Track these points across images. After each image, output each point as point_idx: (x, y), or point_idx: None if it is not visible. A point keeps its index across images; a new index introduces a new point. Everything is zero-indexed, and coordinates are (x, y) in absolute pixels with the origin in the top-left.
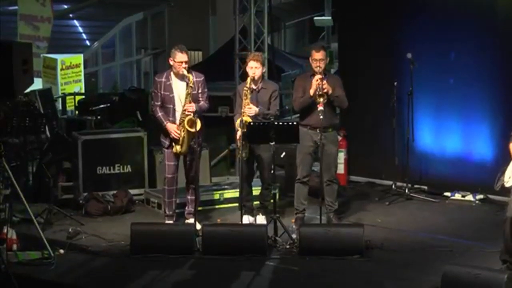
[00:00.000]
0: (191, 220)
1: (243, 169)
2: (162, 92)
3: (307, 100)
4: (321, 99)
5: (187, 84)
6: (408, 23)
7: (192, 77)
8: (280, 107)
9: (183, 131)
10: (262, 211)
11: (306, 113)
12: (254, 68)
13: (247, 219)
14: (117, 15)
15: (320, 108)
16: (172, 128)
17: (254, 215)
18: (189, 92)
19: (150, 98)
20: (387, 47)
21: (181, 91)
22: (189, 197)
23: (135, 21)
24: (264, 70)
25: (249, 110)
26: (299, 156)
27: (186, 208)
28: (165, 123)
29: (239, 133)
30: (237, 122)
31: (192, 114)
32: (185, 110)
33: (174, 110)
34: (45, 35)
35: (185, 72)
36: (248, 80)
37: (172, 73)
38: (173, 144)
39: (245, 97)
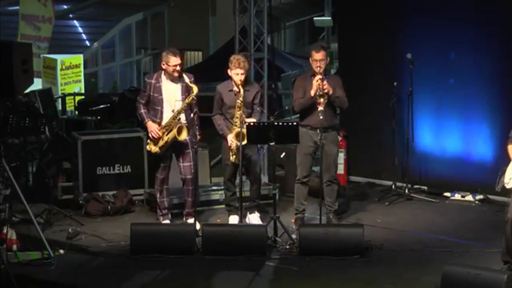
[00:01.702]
0: (191, 221)
1: (230, 169)
2: (151, 93)
3: (308, 101)
4: (322, 100)
5: (185, 91)
6: (408, 23)
7: (196, 90)
8: (280, 107)
9: (167, 135)
10: (257, 209)
11: (306, 114)
12: (240, 75)
13: (234, 219)
14: (117, 15)
15: (320, 108)
16: (153, 127)
17: (239, 215)
18: (189, 102)
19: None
20: (387, 47)
21: (171, 94)
22: (186, 198)
23: (135, 21)
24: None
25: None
26: (299, 156)
27: (185, 209)
28: (146, 120)
29: (231, 137)
30: (235, 132)
31: (182, 122)
32: (175, 118)
33: (161, 112)
34: (46, 35)
35: (187, 80)
36: (241, 91)
37: (163, 74)
38: (148, 141)
39: (238, 109)
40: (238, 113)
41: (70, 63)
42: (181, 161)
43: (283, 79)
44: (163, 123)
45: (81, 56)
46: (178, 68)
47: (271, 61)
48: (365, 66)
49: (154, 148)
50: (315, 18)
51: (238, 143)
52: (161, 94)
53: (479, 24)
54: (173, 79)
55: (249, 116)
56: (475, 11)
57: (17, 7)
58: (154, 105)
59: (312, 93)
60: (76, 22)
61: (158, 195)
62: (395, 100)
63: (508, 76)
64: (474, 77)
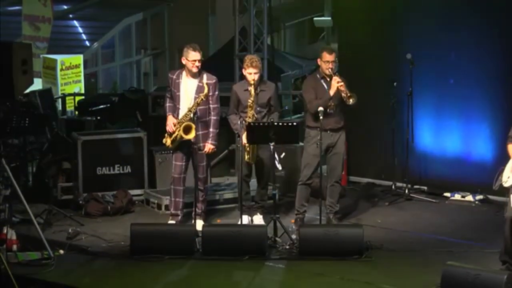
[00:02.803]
0: (198, 221)
1: (243, 169)
2: (172, 89)
3: (326, 102)
4: (351, 100)
5: (200, 90)
6: (408, 23)
7: (206, 90)
8: (280, 108)
9: (178, 131)
10: (260, 210)
11: (316, 115)
12: (254, 74)
13: (246, 219)
14: (117, 15)
15: (320, 108)
16: (169, 120)
17: (251, 215)
18: (199, 101)
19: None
20: (387, 47)
21: (189, 91)
22: (199, 198)
23: (135, 21)
24: (261, 72)
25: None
26: (307, 157)
27: (197, 209)
28: (167, 114)
29: (245, 136)
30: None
31: (191, 118)
32: (187, 115)
33: (178, 109)
34: (45, 36)
35: (204, 79)
36: (252, 91)
37: (184, 72)
38: (166, 135)
39: (250, 108)
40: (250, 112)
41: (70, 63)
42: (195, 160)
43: (283, 79)
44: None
45: (81, 56)
46: (197, 64)
47: (271, 61)
48: (365, 67)
49: (168, 142)
50: (315, 19)
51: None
52: (179, 91)
53: (479, 25)
54: (193, 76)
55: (264, 116)
56: (475, 11)
57: (18, 7)
58: (174, 101)
59: (332, 93)
60: (76, 22)
61: (172, 195)
62: (395, 100)
63: (508, 76)
64: (474, 77)
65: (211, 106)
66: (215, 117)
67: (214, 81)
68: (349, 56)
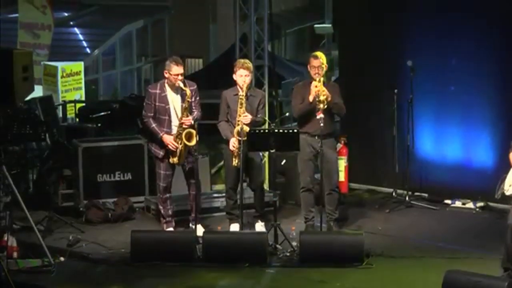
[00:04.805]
0: (199, 228)
1: (233, 177)
2: (157, 104)
3: (307, 106)
4: (321, 105)
5: (184, 97)
6: (408, 30)
7: (189, 91)
8: (281, 115)
9: (181, 143)
10: (259, 218)
11: (304, 121)
12: (244, 76)
13: (235, 227)
14: (118, 22)
15: (320, 115)
16: (169, 139)
17: (241, 223)
18: (186, 106)
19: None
20: (387, 54)
21: (176, 102)
22: (192, 204)
23: (136, 28)
24: (252, 78)
25: (245, 119)
26: (300, 164)
27: (191, 215)
28: (160, 134)
29: (233, 140)
30: (236, 130)
31: (189, 127)
32: (182, 124)
33: (169, 121)
34: (46, 43)
35: (181, 85)
36: (244, 88)
37: (166, 84)
38: (170, 156)
39: (240, 106)
40: (240, 110)
41: (71, 70)
42: (186, 166)
43: (283, 86)
44: (173, 131)
45: (82, 63)
46: (180, 77)
47: (271, 68)
48: (366, 73)
49: (176, 160)
50: (315, 26)
51: (241, 139)
52: (167, 104)
53: (480, 32)
54: (175, 88)
55: (256, 122)
56: (476, 18)
57: (17, 15)
58: (160, 114)
59: (311, 98)
60: (76, 30)
61: (161, 204)
62: (395, 107)
63: (509, 83)
64: (474, 84)
65: (194, 111)
66: (198, 114)
67: (194, 87)
68: (349, 63)
